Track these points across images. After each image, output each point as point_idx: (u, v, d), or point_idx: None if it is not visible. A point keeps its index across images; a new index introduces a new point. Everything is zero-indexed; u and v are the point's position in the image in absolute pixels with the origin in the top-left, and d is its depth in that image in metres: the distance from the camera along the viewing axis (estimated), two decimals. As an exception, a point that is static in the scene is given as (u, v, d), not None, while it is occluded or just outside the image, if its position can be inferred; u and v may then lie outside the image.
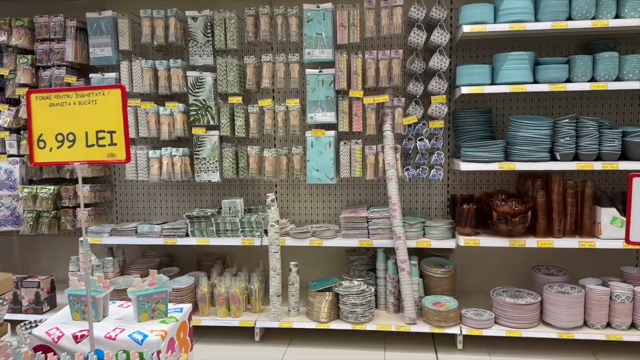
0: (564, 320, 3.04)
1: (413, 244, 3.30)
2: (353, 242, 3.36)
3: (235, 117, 3.50)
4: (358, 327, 3.17)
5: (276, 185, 3.83)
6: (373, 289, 3.26)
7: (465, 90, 3.10)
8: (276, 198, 3.82)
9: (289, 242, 3.41)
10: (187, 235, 3.51)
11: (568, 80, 3.09)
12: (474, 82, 3.13)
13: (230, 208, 3.52)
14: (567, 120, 3.06)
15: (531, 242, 3.11)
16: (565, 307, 3.03)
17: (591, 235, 3.13)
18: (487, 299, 3.34)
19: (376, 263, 3.42)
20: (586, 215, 3.12)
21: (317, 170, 3.39)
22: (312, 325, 3.25)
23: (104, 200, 3.89)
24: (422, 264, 3.42)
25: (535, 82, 3.11)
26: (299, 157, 3.47)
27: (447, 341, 3.27)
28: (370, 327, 3.18)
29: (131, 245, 3.70)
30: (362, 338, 3.31)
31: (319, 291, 3.26)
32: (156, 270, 2.41)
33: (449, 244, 3.29)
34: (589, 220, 3.12)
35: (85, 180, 3.78)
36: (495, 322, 3.15)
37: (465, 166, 3.11)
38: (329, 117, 3.37)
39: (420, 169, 3.38)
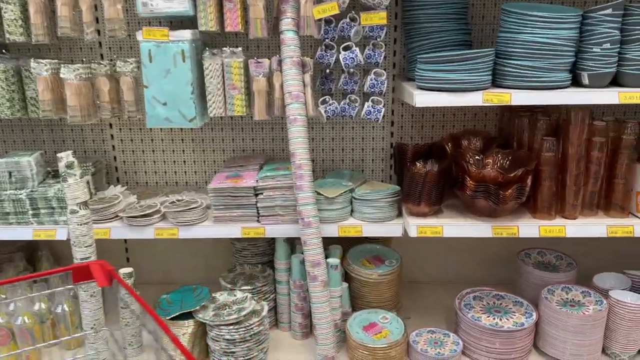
0: (572, 351, 1.88)
1: (334, 229, 1.95)
2: (232, 230, 1.96)
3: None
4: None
5: (111, 126, 2.29)
6: (265, 310, 1.93)
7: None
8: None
9: (119, 232, 1.97)
10: None
11: None
12: None
13: (10, 173, 1.98)
14: (609, 10, 1.67)
15: (528, 229, 1.83)
16: (575, 332, 1.85)
17: (623, 212, 1.88)
18: (445, 306, 2.14)
19: (274, 258, 2.08)
20: (619, 180, 1.86)
21: (164, 104, 1.87)
22: (164, 370, 1.92)
23: None
24: (347, 259, 2.11)
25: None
26: (130, 79, 1.92)
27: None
28: (263, 365, 1.90)
29: None
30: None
31: (174, 318, 1.90)
32: None
33: (393, 229, 1.96)
34: (623, 189, 1.86)
35: None
36: (464, 354, 1.94)
37: (422, 99, 1.69)
38: (177, 2, 1.80)
39: (347, 100, 1.94)
